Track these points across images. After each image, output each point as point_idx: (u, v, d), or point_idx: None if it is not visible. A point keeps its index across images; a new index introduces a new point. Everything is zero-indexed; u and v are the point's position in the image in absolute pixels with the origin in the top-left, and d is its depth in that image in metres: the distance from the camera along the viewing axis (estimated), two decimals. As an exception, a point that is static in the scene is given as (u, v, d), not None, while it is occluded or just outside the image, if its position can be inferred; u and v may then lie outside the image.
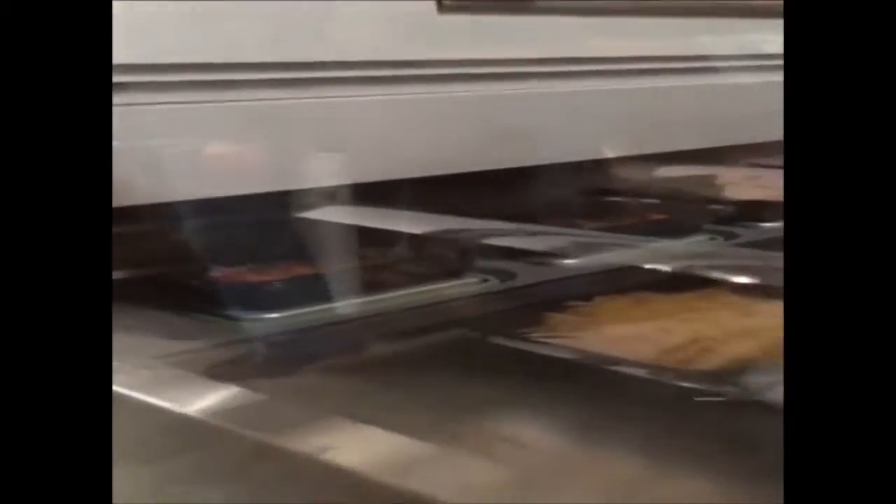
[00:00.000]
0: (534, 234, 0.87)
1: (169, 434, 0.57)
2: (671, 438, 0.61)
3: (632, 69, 0.99)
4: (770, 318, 0.79)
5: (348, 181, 0.81)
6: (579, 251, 0.88)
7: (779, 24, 1.10)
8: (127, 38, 0.67)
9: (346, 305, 0.78)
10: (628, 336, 0.76)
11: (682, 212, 1.04)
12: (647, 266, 0.83)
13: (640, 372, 0.69)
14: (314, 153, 0.80)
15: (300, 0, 0.79)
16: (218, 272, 0.79)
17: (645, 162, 1.06)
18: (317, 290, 0.78)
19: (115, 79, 0.64)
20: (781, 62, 1.07)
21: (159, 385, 0.62)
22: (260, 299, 0.77)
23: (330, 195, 0.81)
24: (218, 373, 0.69)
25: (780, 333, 0.73)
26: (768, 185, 1.17)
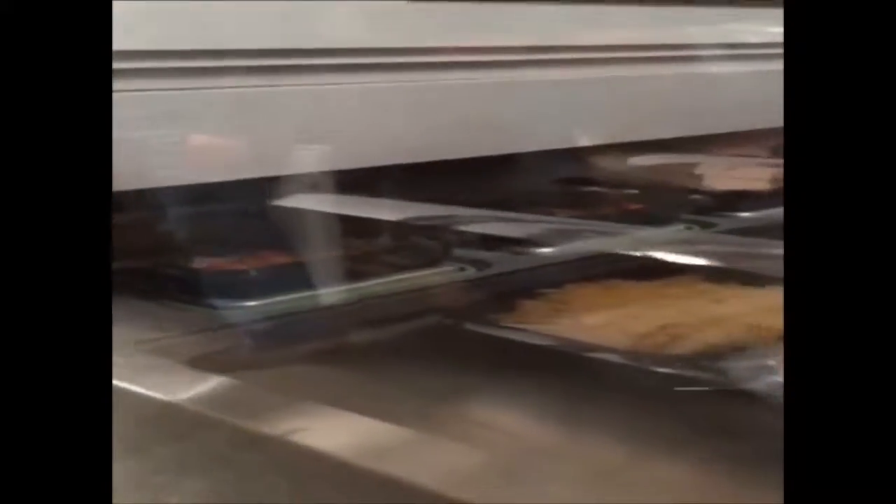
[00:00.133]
0: (511, 221, 0.87)
1: (152, 423, 0.57)
2: (650, 425, 0.62)
3: (608, 58, 0.99)
4: (740, 305, 0.80)
5: (327, 168, 0.81)
6: (555, 239, 0.89)
7: (758, 12, 1.11)
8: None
9: (326, 293, 0.78)
10: (598, 323, 0.77)
11: (660, 201, 1.04)
12: (620, 252, 0.84)
13: (616, 358, 0.70)
14: (293, 140, 0.80)
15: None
16: (199, 261, 0.79)
17: (623, 151, 1.06)
18: (296, 278, 0.78)
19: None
20: (760, 51, 1.08)
21: (141, 374, 0.62)
22: (240, 287, 0.77)
23: (309, 183, 0.81)
24: (199, 361, 0.69)
25: (750, 320, 0.75)
26: (746, 175, 1.18)
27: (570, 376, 0.69)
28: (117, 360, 0.62)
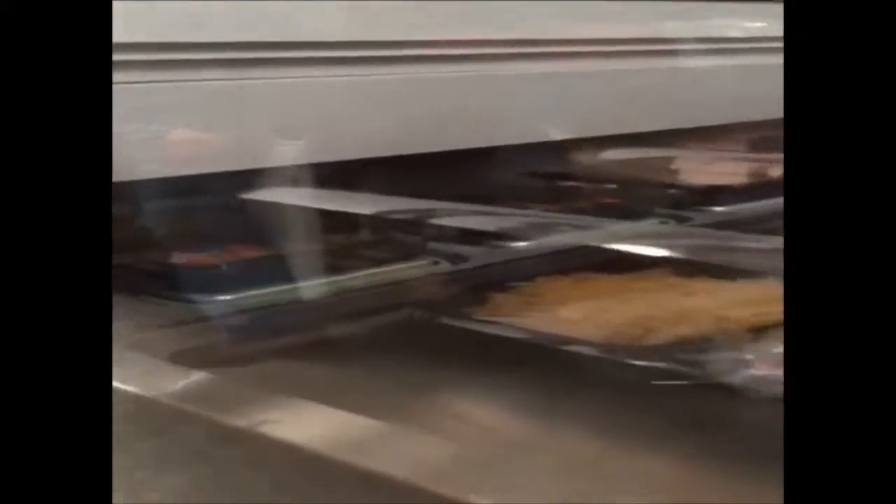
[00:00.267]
0: (487, 215, 0.87)
1: (131, 419, 0.57)
2: (625, 418, 0.62)
3: (585, 52, 1.00)
4: (710, 298, 0.80)
5: (304, 161, 0.81)
6: (531, 233, 0.89)
7: (735, 7, 1.12)
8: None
9: (302, 287, 0.78)
10: (569, 316, 0.77)
11: (635, 196, 1.04)
12: (594, 245, 0.84)
13: (590, 351, 0.70)
14: (271, 134, 0.80)
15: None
16: (176, 256, 0.79)
17: (599, 145, 1.07)
18: (273, 272, 0.78)
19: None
20: (737, 46, 1.08)
21: (120, 369, 0.62)
22: (218, 282, 0.77)
23: (287, 177, 0.81)
24: (178, 357, 0.70)
25: (720, 313, 0.75)
26: (722, 170, 1.18)
27: (544, 369, 0.70)
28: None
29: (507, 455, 0.58)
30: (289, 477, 0.56)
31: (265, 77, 0.80)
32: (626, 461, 0.58)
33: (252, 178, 0.80)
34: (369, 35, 0.85)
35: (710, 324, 0.72)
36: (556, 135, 0.96)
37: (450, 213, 0.86)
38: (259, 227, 0.81)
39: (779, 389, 0.62)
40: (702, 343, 0.68)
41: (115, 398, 0.57)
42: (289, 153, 0.80)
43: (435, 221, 0.86)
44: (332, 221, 0.84)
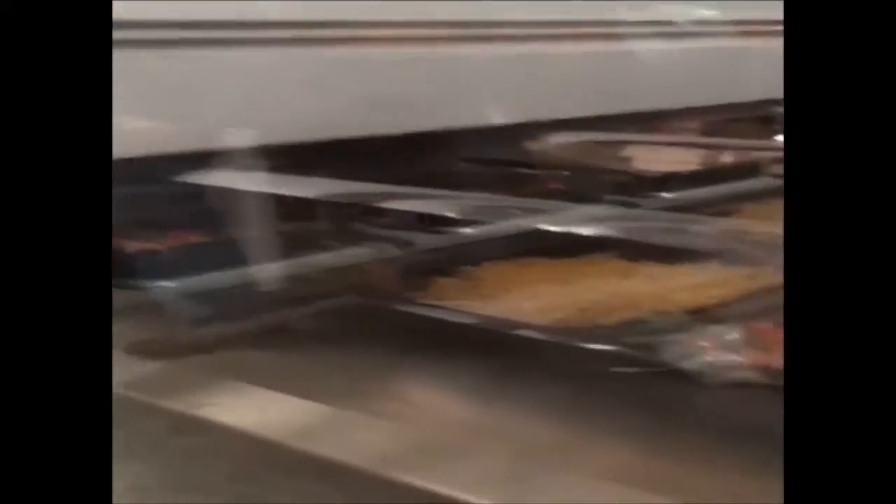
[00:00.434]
0: (437, 199, 0.87)
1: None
2: (576, 401, 0.63)
3: (534, 34, 0.99)
4: (652, 281, 0.81)
5: (250, 144, 0.80)
6: (479, 218, 0.89)
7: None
8: None
9: (252, 272, 0.78)
10: (514, 300, 0.78)
11: (585, 182, 1.05)
12: (541, 228, 0.85)
13: (537, 335, 0.71)
14: (213, 115, 0.80)
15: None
16: (127, 243, 0.78)
17: (547, 131, 1.07)
18: (222, 256, 0.78)
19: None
20: (686, 29, 1.08)
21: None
22: (168, 267, 0.76)
23: (235, 162, 0.80)
24: (132, 347, 0.70)
25: (665, 294, 0.76)
26: (671, 157, 1.19)
27: (493, 354, 0.70)
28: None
29: (460, 440, 0.58)
30: (246, 465, 0.57)
31: (214, 57, 0.79)
32: (580, 444, 0.58)
33: (201, 161, 0.80)
34: (316, 15, 0.85)
35: (654, 306, 0.73)
36: (505, 118, 0.96)
37: (399, 198, 0.86)
38: (210, 212, 0.81)
39: (732, 375, 0.63)
40: (646, 326, 0.69)
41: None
42: (236, 136, 0.80)
43: (384, 205, 0.86)
44: (282, 206, 0.84)
